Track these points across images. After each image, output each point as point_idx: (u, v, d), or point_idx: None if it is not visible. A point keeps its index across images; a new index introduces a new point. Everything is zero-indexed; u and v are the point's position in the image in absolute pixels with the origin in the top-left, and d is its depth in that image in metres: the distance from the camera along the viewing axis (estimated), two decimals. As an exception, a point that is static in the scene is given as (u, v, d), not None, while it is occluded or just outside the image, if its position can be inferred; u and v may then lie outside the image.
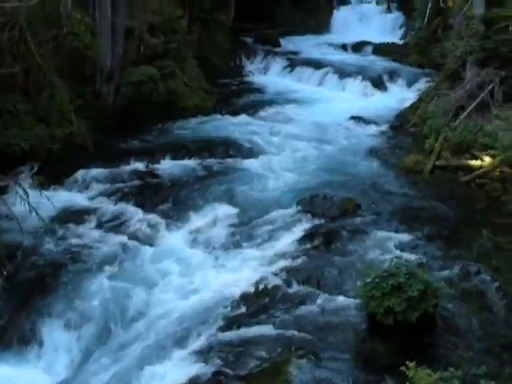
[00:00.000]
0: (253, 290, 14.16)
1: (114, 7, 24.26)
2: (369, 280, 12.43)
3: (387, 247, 15.78)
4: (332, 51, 41.49)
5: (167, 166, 21.68)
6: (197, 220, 17.82)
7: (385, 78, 34.41)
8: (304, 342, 12.02)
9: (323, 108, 29.87)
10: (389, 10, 47.25)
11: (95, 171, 20.64)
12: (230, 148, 23.58)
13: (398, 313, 11.79)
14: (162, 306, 13.98)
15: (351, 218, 17.70)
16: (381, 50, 40.73)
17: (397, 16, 46.16)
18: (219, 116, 27.92)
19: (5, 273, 14.52)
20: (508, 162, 20.35)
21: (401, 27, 44.79)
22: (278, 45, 42.25)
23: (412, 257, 14.77)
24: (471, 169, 21.11)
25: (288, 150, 23.78)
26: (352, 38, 43.80)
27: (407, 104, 29.09)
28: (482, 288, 14.08)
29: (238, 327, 12.79)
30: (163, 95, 25.79)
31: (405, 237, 16.41)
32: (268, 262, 15.46)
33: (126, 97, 24.82)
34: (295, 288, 14.22)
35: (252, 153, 23.26)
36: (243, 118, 27.79)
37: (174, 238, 16.90)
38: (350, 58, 39.56)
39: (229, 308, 13.57)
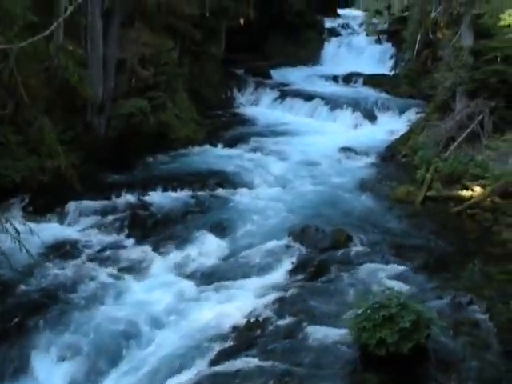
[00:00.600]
0: (243, 321, 14.07)
1: (105, 39, 24.36)
2: (360, 311, 12.38)
3: (379, 278, 15.75)
4: (323, 83, 41.76)
5: (158, 198, 21.63)
6: (187, 251, 17.72)
7: (375, 109, 34.60)
8: (295, 374, 11.92)
9: (314, 139, 29.96)
10: (379, 42, 47.58)
11: (86, 203, 20.57)
12: (220, 180, 23.58)
13: (390, 344, 11.72)
14: (151, 338, 13.85)
15: (343, 249, 17.68)
16: (371, 81, 40.99)
17: (387, 47, 46.49)
18: (210, 148, 27.97)
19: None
20: (499, 191, 20.39)
21: (391, 58, 45.06)
22: (269, 76, 42.44)
23: (404, 288, 14.74)
24: (462, 199, 21.16)
25: (279, 181, 23.82)
26: (342, 69, 44.04)
27: (398, 135, 29.21)
28: (475, 318, 14.03)
29: (228, 360, 12.66)
30: (154, 127, 25.78)
31: (396, 268, 16.40)
32: (259, 293, 15.38)
33: (117, 128, 24.82)
34: (286, 320, 14.11)
35: (243, 184, 23.26)
36: (234, 149, 27.87)
37: (165, 270, 16.80)
38: (340, 89, 39.80)
39: (219, 340, 13.46)
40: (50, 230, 18.68)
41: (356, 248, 17.81)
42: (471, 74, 23.57)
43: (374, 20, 35.35)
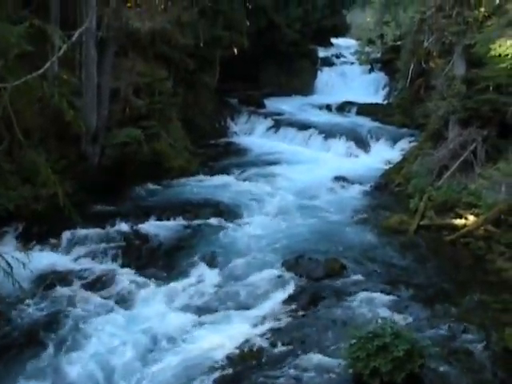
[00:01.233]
0: (238, 351, 14.05)
1: (99, 68, 24.45)
2: (354, 341, 12.37)
3: (373, 308, 15.74)
4: (316, 112, 41.87)
5: (152, 227, 21.59)
6: (181, 281, 17.67)
7: (369, 138, 34.74)
8: (290, 404, 11.90)
9: (308, 169, 30.01)
10: (372, 71, 47.79)
11: (80, 232, 20.53)
12: (214, 209, 23.58)
13: (384, 374, 11.72)
14: (146, 368, 13.78)
15: (337, 278, 17.69)
16: (364, 110, 41.21)
17: (380, 77, 46.77)
18: (204, 177, 28.01)
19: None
20: (492, 220, 20.42)
21: (384, 87, 45.31)
22: (263, 106, 42.54)
23: (398, 317, 14.76)
24: (456, 228, 21.19)
25: (273, 210, 23.81)
26: (336, 98, 44.22)
27: (391, 164, 29.30)
28: (469, 347, 14.03)
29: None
30: (148, 156, 25.78)
31: (390, 297, 16.39)
32: (253, 323, 15.35)
33: (111, 157, 24.81)
34: (280, 349, 14.10)
35: (237, 214, 23.27)
36: (228, 179, 27.90)
37: (159, 300, 16.72)
38: (334, 118, 39.92)
39: (214, 370, 13.41)
40: (44, 259, 18.61)
41: (350, 277, 17.81)
42: (464, 102, 23.67)
43: (367, 49, 35.45)
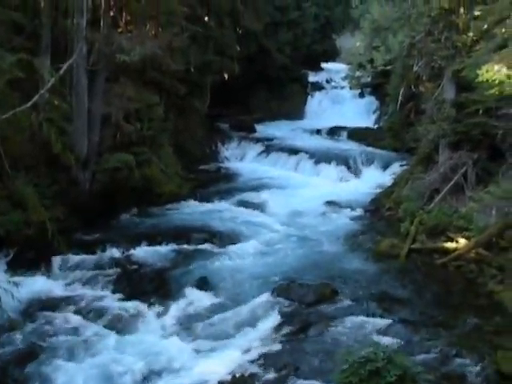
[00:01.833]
0: (230, 377, 14.01)
1: (90, 94, 24.46)
2: (346, 366, 12.29)
3: (365, 332, 15.72)
4: (307, 136, 42.02)
5: (143, 253, 21.55)
6: (174, 307, 17.66)
7: (359, 162, 34.75)
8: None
9: (298, 193, 30.04)
10: (362, 95, 47.95)
11: (71, 258, 20.50)
12: (206, 234, 23.53)
13: (376, 399, 11.65)
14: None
15: (328, 303, 17.68)
16: (355, 134, 41.34)
17: (370, 101, 46.90)
18: (195, 202, 27.96)
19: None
20: (483, 243, 20.45)
21: (374, 112, 45.41)
22: (254, 130, 42.65)
23: (390, 341, 14.73)
24: (447, 251, 21.21)
25: (264, 235, 23.78)
26: (326, 123, 44.37)
27: (382, 188, 29.34)
28: (462, 371, 14.03)
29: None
30: (139, 182, 25.76)
31: (382, 321, 16.37)
32: (245, 348, 15.32)
33: (102, 183, 24.77)
34: (272, 375, 14.06)
35: (228, 239, 23.25)
36: (219, 204, 27.87)
37: (151, 326, 16.72)
38: (324, 143, 40.05)
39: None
40: (35, 285, 18.58)
41: (341, 302, 17.80)
42: (454, 126, 23.77)
43: (358, 74, 35.66)
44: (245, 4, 38.13)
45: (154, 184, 27.07)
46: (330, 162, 34.75)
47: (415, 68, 25.78)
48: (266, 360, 14.58)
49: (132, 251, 21.59)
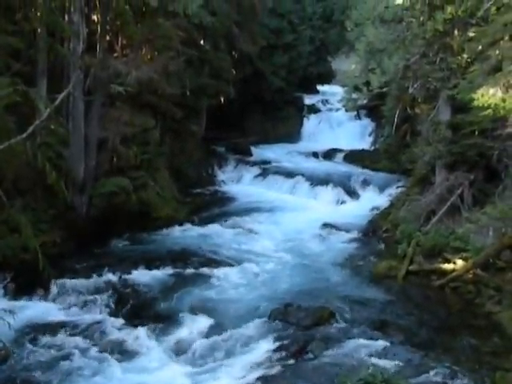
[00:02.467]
0: (228, 401, 13.98)
1: (86, 118, 24.51)
2: (345, 389, 12.30)
3: (363, 355, 15.68)
4: (303, 159, 42.07)
5: (140, 277, 21.48)
6: (171, 330, 17.63)
7: (356, 184, 34.82)
8: None
9: (295, 216, 30.06)
10: (358, 117, 48.01)
11: (68, 282, 20.41)
12: (203, 258, 23.52)
13: (375, 422, 11.62)
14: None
15: (326, 326, 17.65)
16: (351, 156, 41.41)
17: (366, 123, 46.99)
18: (192, 226, 27.91)
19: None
20: (480, 264, 20.45)
21: (370, 134, 45.50)
22: (250, 153, 42.64)
23: (388, 364, 14.71)
24: (444, 272, 21.22)
25: (261, 259, 23.76)
26: (323, 145, 44.51)
27: (379, 210, 29.36)
28: (460, 393, 14.00)
29: None
30: (136, 206, 25.77)
31: (380, 344, 16.32)
32: (243, 372, 15.30)
33: (98, 207, 24.80)
34: (271, 398, 14.04)
35: (225, 262, 23.21)
36: (216, 227, 27.82)
37: (149, 349, 16.65)
38: (321, 165, 40.11)
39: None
40: (32, 310, 18.59)
41: (339, 325, 17.77)
42: (450, 147, 23.85)
43: (354, 96, 35.66)
44: (240, 27, 38.19)
45: (150, 208, 27.06)
46: (326, 185, 34.77)
47: (410, 90, 25.84)
48: (265, 383, 14.53)
49: (128, 275, 21.52)
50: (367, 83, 27.98)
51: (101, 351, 16.38)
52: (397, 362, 15.15)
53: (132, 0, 24.68)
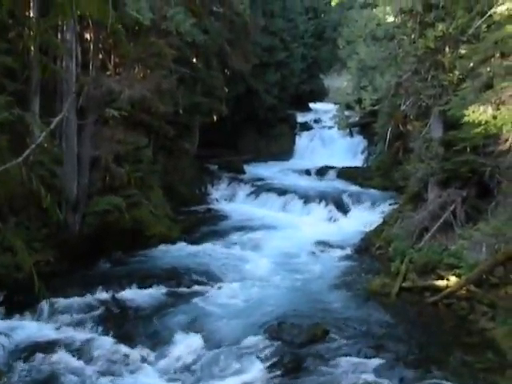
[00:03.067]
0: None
1: (79, 137, 24.54)
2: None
3: (356, 372, 15.68)
4: (296, 177, 42.18)
5: (133, 295, 21.44)
6: (165, 349, 17.55)
7: (349, 201, 34.89)
8: None
9: (288, 233, 30.07)
10: (350, 135, 48.10)
11: (61, 301, 20.33)
12: (196, 276, 23.48)
13: None
14: None
15: (320, 344, 17.62)
16: (344, 173, 41.51)
17: (358, 140, 47.14)
18: (185, 244, 27.86)
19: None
20: (474, 280, 20.46)
21: (363, 151, 45.66)
22: (243, 171, 42.75)
23: (382, 381, 14.69)
24: (438, 289, 21.22)
25: (254, 276, 23.75)
26: (315, 162, 44.60)
27: (372, 227, 29.36)
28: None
29: None
30: (129, 224, 25.73)
31: (374, 361, 16.32)
32: (238, 390, 15.25)
33: (91, 225, 24.78)
34: (265, 416, 14.00)
35: (219, 280, 23.20)
36: (209, 245, 27.79)
37: (143, 368, 16.57)
38: (313, 182, 40.22)
39: None
40: (25, 328, 18.49)
41: (333, 342, 17.74)
42: (442, 164, 23.91)
43: (346, 113, 35.82)
44: (232, 45, 38.34)
45: (143, 226, 27.03)
46: (319, 202, 34.88)
47: (402, 107, 25.93)
48: (258, 401, 14.54)
49: (122, 293, 21.49)
50: (359, 100, 28.11)
51: (94, 370, 16.30)
52: (391, 379, 15.15)
53: (125, 18, 24.70)
